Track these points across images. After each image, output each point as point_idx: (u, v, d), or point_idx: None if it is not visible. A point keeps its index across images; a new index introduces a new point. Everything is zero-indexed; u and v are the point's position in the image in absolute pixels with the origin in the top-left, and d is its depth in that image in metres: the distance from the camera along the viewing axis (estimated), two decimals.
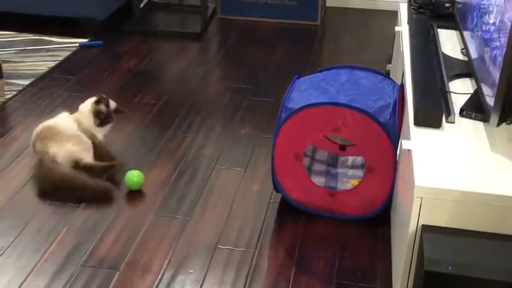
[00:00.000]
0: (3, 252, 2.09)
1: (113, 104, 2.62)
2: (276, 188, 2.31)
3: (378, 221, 2.23)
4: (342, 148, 2.50)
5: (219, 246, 2.14)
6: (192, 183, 2.49)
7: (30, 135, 2.56)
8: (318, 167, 2.45)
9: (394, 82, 2.37)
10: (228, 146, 2.76)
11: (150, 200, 2.38)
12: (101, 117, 2.58)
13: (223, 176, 2.54)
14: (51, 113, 3.01)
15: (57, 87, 3.27)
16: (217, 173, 2.57)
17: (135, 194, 2.41)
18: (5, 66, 3.32)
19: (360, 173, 2.39)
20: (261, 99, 3.18)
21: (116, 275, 1.99)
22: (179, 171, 2.57)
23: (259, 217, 2.29)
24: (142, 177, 2.43)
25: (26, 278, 1.98)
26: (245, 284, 1.97)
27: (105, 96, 2.63)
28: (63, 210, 2.31)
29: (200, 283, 1.97)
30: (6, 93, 3.19)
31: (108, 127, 2.63)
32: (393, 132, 2.10)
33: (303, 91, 2.25)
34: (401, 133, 2.14)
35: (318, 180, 2.32)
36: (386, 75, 2.51)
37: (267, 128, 2.87)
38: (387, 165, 2.13)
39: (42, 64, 3.52)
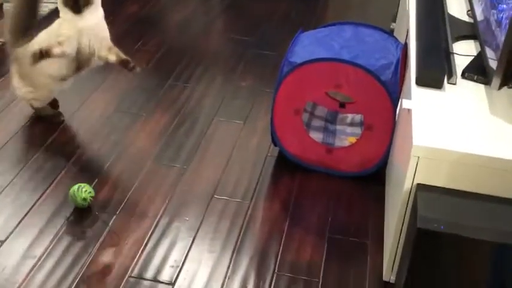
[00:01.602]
0: (2, 191, 2.11)
1: None
2: (274, 141, 2.32)
3: (373, 179, 2.26)
4: (342, 105, 2.50)
5: (215, 196, 2.16)
6: (190, 133, 2.50)
7: None
8: (316, 122, 2.46)
9: (398, 41, 2.36)
10: (228, 98, 2.76)
11: (148, 148, 2.39)
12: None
13: (222, 127, 2.55)
14: None
15: None
16: (216, 124, 2.57)
17: (134, 141, 2.42)
18: (6, 6, 3.28)
19: (358, 130, 2.40)
20: (264, 52, 3.16)
21: (113, 219, 2.02)
22: (178, 121, 2.58)
23: (256, 170, 2.31)
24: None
25: (24, 216, 2.01)
26: (239, 234, 2.00)
27: None
28: (62, 153, 2.32)
29: (195, 231, 2.00)
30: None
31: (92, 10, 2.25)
32: (394, 91, 2.10)
33: (306, 46, 2.24)
34: (402, 92, 2.14)
35: (316, 136, 2.33)
36: (391, 33, 2.49)
37: (268, 81, 2.87)
38: (386, 124, 2.14)
39: (44, 6, 3.47)
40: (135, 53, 3.07)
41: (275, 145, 2.35)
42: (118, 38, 3.21)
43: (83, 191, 2.02)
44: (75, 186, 2.03)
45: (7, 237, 1.92)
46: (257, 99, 2.76)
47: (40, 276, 1.79)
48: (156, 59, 3.04)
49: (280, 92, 2.19)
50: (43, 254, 1.86)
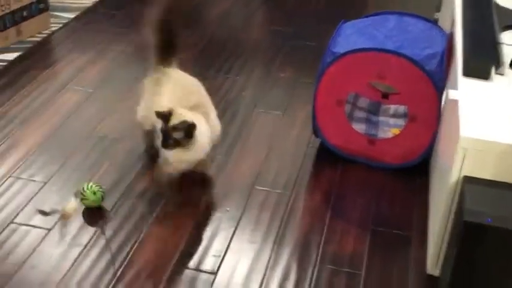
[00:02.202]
0: (48, 180, 2.14)
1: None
2: (316, 132, 2.31)
3: (417, 171, 2.22)
4: (385, 96, 2.46)
5: (256, 187, 2.16)
6: (231, 124, 2.50)
7: (73, 68, 2.58)
8: (359, 114, 2.43)
9: (443, 30, 2.32)
10: (267, 89, 2.76)
11: None
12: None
13: (262, 118, 2.55)
14: (95, 47, 3.04)
15: (102, 22, 3.28)
16: (256, 115, 2.57)
17: None
18: None
19: (401, 122, 2.37)
20: (303, 43, 3.14)
21: (156, 210, 2.04)
22: (219, 112, 2.57)
23: (297, 161, 2.30)
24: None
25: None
26: (280, 225, 1.99)
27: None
28: (105, 144, 2.35)
29: (236, 221, 2.00)
30: (51, 25, 3.22)
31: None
32: (439, 82, 2.06)
33: (349, 35, 2.22)
34: (448, 83, 2.10)
35: (359, 127, 2.31)
36: (435, 23, 2.44)
37: (308, 72, 2.85)
38: (431, 115, 2.10)
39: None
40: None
41: (316, 136, 2.34)
42: None
43: (90, 186, 2.00)
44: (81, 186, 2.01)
45: (53, 227, 1.95)
46: (296, 90, 2.74)
47: (87, 263, 1.81)
48: (197, 51, 3.05)
49: (322, 82, 2.17)
50: (88, 243, 1.89)
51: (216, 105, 2.62)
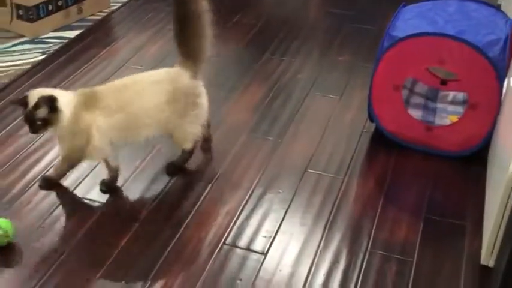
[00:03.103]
0: None
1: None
2: (371, 117, 2.28)
3: (473, 159, 2.17)
4: (443, 82, 2.41)
5: (308, 170, 2.15)
6: (285, 106, 2.50)
7: (131, 47, 2.62)
8: (416, 100, 2.38)
9: (507, 16, 2.24)
10: (324, 72, 2.73)
11: (243, 121, 2.41)
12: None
13: (317, 101, 2.53)
14: (154, 26, 3.08)
15: (160, 2, 3.31)
16: (311, 98, 2.55)
17: (229, 114, 2.45)
18: None
19: (460, 109, 2.31)
20: (362, 27, 3.10)
21: (208, 188, 2.06)
22: (273, 94, 2.58)
23: (351, 145, 2.28)
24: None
25: (127, 180, 2.09)
26: (332, 209, 1.98)
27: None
28: None
29: (288, 203, 2.01)
30: (111, 4, 3.27)
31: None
32: (502, 69, 2.00)
33: (409, 19, 2.17)
34: (510, 70, 2.04)
35: (415, 114, 2.27)
36: (498, 8, 2.37)
37: (366, 56, 2.81)
38: (491, 103, 2.04)
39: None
40: (233, 26, 3.10)
41: (371, 121, 2.31)
42: (216, 11, 3.25)
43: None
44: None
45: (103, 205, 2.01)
46: (353, 74, 2.71)
47: (142, 240, 1.86)
48: (254, 32, 3.05)
49: (379, 67, 2.14)
50: (145, 217, 1.93)
51: (271, 87, 2.63)
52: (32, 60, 2.77)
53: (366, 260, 1.80)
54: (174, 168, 2.12)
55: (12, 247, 1.81)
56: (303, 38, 3.00)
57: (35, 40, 2.95)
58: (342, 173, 2.14)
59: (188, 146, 2.08)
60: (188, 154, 2.11)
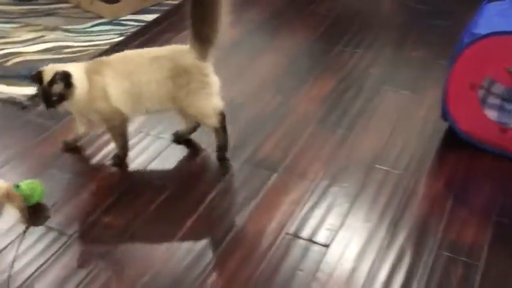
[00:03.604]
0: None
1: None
2: (445, 116, 2.22)
3: None
4: None
5: (376, 165, 2.12)
6: (355, 100, 2.47)
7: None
8: (492, 100, 2.30)
9: None
10: (397, 67, 2.68)
11: (312, 112, 2.40)
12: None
13: (389, 97, 2.49)
14: (228, 13, 3.09)
15: None
16: (382, 93, 2.51)
17: (299, 104, 2.44)
18: None
19: None
20: (438, 22, 3.02)
21: (273, 177, 2.06)
22: (344, 87, 2.56)
23: (422, 143, 2.23)
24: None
25: (195, 164, 2.12)
26: (398, 207, 1.95)
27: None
28: (230, 108, 2.39)
29: (353, 198, 1.99)
30: None
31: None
32: None
33: (491, 17, 2.10)
34: None
35: (491, 114, 2.19)
36: None
37: (441, 53, 2.74)
38: None
39: None
40: (308, 15, 3.08)
41: (445, 120, 2.25)
42: (291, 0, 3.24)
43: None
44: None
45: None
46: (427, 71, 2.65)
47: (203, 228, 1.88)
48: (327, 23, 3.02)
49: (457, 64, 2.08)
50: (211, 203, 1.96)
51: (342, 79, 2.61)
52: (110, 41, 2.85)
53: (431, 260, 1.76)
54: (223, 151, 2.13)
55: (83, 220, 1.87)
56: (377, 31, 2.95)
57: (113, 22, 3.02)
58: (411, 171, 2.10)
59: (213, 122, 2.08)
60: (221, 131, 2.10)
